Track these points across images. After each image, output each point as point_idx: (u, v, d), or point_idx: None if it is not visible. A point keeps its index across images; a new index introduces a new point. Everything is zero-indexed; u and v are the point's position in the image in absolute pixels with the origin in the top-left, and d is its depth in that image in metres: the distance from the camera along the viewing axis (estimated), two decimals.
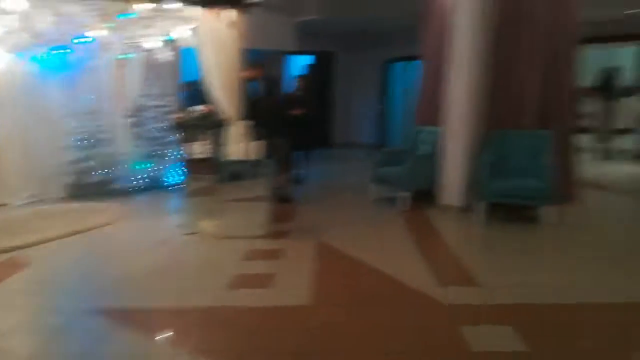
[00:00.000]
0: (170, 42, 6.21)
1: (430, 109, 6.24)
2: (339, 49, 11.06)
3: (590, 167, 7.63)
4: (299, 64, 10.24)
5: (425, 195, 5.74)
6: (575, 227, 4.83)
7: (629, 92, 9.31)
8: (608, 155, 8.80)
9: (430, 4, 6.13)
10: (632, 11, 8.40)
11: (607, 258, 3.95)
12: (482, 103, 5.34)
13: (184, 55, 6.71)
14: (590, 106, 9.15)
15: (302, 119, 6.60)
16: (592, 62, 11.66)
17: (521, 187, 4.86)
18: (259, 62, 6.02)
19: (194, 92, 6.84)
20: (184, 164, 6.60)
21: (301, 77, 7.33)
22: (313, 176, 7.50)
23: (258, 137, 5.16)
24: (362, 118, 11.36)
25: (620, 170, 8.01)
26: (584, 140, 9.81)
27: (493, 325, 2.82)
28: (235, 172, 6.63)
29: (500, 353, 2.53)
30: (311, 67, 10.69)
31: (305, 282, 3.47)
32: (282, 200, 5.76)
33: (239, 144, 4.91)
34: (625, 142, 9.25)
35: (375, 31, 9.97)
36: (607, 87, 8.70)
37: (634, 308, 3.05)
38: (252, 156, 5.12)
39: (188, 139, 6.45)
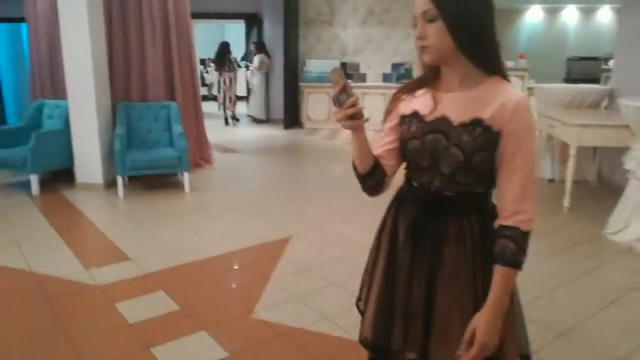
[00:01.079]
0: None
1: (50, 80, 5.67)
2: None
3: (217, 133, 8.59)
4: None
5: (61, 175, 5.28)
6: (211, 188, 5.41)
7: (240, 64, 10.80)
8: (231, 120, 10.03)
9: None
10: None
11: (239, 210, 4.60)
12: (106, 76, 5.21)
13: None
14: (212, 76, 10.21)
15: None
16: (209, 36, 12.93)
17: (157, 157, 5.03)
18: None
19: None
20: None
21: None
22: None
23: None
24: None
25: (243, 132, 9.29)
26: (210, 107, 10.93)
27: (146, 294, 2.94)
28: None
29: (156, 318, 2.68)
30: None
31: None
32: None
33: None
34: (243, 108, 10.78)
35: None
36: (223, 59, 9.79)
37: (263, 247, 3.70)
38: None
39: None
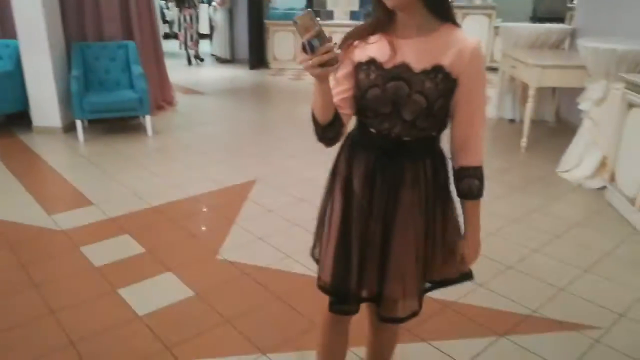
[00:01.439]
0: None
1: None
2: None
3: (180, 73, 8.34)
4: None
5: (16, 119, 5.10)
6: (174, 131, 5.32)
7: None
8: (194, 59, 9.68)
9: None
10: None
11: (203, 154, 4.58)
12: (57, 14, 4.93)
13: None
14: (172, 13, 9.73)
15: None
16: None
17: (117, 100, 4.89)
18: None
19: None
20: None
21: None
22: None
23: None
24: None
25: (207, 73, 9.02)
26: (172, 46, 10.51)
27: (111, 238, 2.97)
28: None
29: (122, 260, 2.73)
30: None
31: None
32: None
33: None
34: (207, 47, 10.39)
35: None
36: None
37: (227, 190, 3.72)
38: None
39: None
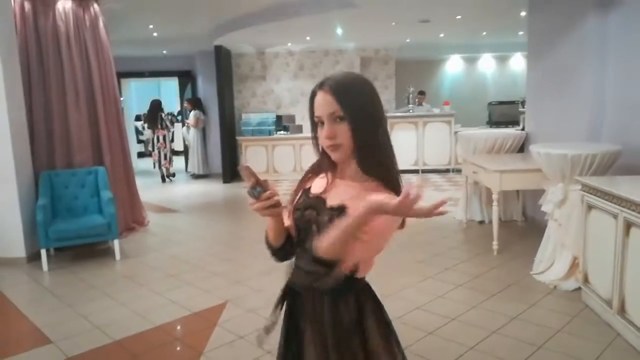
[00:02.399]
0: None
1: None
2: None
3: (154, 192, 8.37)
4: None
5: None
6: (143, 254, 5.18)
7: (174, 119, 10.72)
8: (168, 177, 9.79)
9: None
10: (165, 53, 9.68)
11: (173, 277, 4.42)
12: (26, 145, 5.03)
13: None
14: (147, 133, 10.02)
15: None
16: (145, 92, 12.82)
17: (84, 226, 4.80)
18: None
19: None
20: None
21: None
22: None
23: None
24: None
25: (181, 189, 9.09)
26: (145, 166, 10.69)
27: None
28: None
29: None
30: None
31: None
32: None
33: None
34: (182, 163, 10.60)
35: None
36: (156, 117, 9.63)
37: (197, 316, 3.56)
38: None
39: None
